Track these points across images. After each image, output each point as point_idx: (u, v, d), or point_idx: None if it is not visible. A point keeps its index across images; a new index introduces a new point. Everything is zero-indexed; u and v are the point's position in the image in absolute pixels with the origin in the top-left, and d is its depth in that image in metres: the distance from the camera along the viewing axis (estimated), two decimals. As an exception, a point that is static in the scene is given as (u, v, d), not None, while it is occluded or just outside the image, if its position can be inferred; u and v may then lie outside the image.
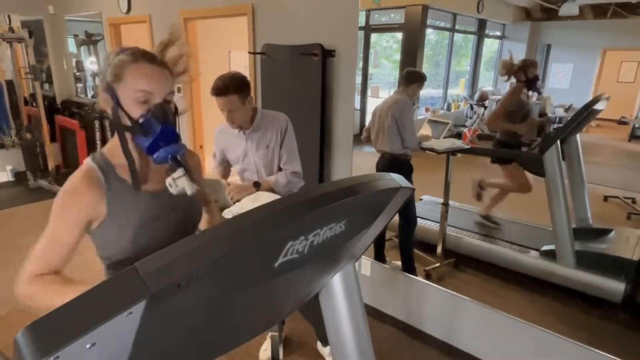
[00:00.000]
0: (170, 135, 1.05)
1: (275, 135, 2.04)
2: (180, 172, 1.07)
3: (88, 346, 0.45)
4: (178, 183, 1.07)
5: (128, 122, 1.06)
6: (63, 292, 1.01)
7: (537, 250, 2.41)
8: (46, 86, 5.49)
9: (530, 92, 2.31)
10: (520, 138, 2.45)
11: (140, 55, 1.06)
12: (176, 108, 1.13)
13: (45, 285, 1.03)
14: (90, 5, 4.61)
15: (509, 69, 2.33)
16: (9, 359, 1.42)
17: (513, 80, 2.34)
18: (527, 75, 2.27)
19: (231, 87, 1.86)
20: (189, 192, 1.07)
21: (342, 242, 0.73)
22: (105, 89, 1.07)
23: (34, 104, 5.18)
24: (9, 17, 5.03)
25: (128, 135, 1.08)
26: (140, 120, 1.04)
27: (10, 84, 5.16)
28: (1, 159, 5.39)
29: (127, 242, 1.11)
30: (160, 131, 1.03)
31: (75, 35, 5.18)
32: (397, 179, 0.78)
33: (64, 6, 5.02)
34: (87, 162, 1.11)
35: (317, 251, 0.65)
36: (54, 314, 0.45)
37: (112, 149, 1.13)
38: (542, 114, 2.32)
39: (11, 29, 5.03)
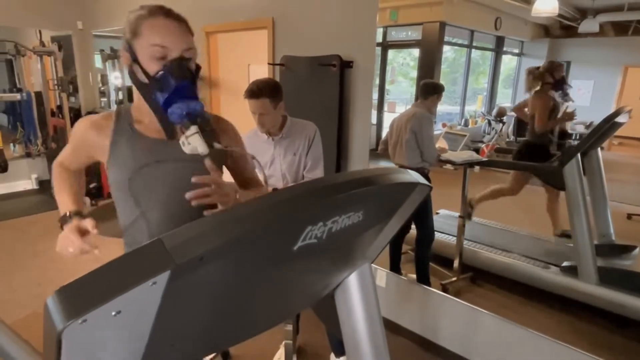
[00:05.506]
0: (186, 92, 1.02)
1: (303, 143, 2.08)
2: (193, 129, 1.02)
3: (114, 313, 0.46)
4: (190, 141, 1.02)
5: (144, 79, 1.04)
6: (58, 194, 1.25)
7: (557, 266, 2.35)
8: (72, 98, 5.68)
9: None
10: (550, 137, 2.41)
11: (156, 10, 1.05)
12: (197, 66, 1.09)
13: (55, 179, 1.29)
14: (117, 20, 4.78)
15: (534, 74, 2.31)
16: (37, 351, 1.46)
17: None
18: (553, 76, 2.26)
19: (265, 90, 1.91)
20: (200, 150, 1.02)
21: (359, 233, 0.74)
22: (125, 47, 1.07)
23: (60, 115, 5.37)
24: (39, 32, 5.26)
25: (140, 94, 1.09)
26: (156, 76, 1.02)
27: (38, 95, 5.36)
28: (27, 168, 5.56)
29: (124, 190, 1.14)
30: (175, 87, 1.00)
31: (102, 50, 5.38)
32: (415, 175, 0.78)
33: (92, 22, 5.23)
34: (113, 108, 1.20)
35: (335, 239, 0.66)
36: (82, 280, 0.46)
37: (136, 105, 1.17)
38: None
39: (42, 43, 5.26)
